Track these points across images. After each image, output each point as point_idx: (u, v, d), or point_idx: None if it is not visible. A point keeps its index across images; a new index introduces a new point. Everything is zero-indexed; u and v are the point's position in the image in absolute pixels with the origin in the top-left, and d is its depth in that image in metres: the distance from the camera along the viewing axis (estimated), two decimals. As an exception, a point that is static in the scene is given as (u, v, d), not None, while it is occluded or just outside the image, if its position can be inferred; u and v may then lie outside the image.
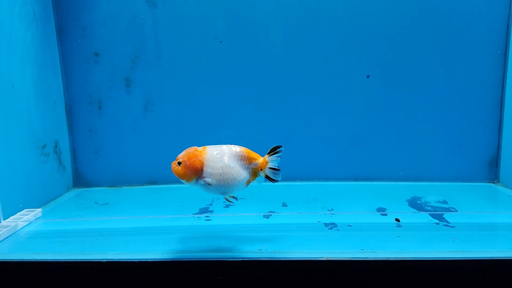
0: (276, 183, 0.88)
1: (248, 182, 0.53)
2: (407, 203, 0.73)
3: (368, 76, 0.86)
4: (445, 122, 0.86)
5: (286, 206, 0.74)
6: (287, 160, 0.89)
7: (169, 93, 0.88)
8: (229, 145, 0.53)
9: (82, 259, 0.53)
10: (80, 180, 0.90)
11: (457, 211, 0.68)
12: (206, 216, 0.69)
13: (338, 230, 0.61)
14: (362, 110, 0.87)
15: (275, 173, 0.53)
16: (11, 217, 0.67)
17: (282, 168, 0.89)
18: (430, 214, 0.66)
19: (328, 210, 0.70)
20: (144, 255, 0.53)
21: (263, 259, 0.51)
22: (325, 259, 0.50)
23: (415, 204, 0.73)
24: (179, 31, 0.86)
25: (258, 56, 0.86)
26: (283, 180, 0.89)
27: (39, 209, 0.72)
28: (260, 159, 0.53)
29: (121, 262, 0.52)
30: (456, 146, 0.87)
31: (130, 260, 0.52)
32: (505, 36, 0.82)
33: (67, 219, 0.70)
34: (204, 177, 0.51)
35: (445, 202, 0.73)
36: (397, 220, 0.64)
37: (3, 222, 0.65)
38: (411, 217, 0.63)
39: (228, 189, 0.53)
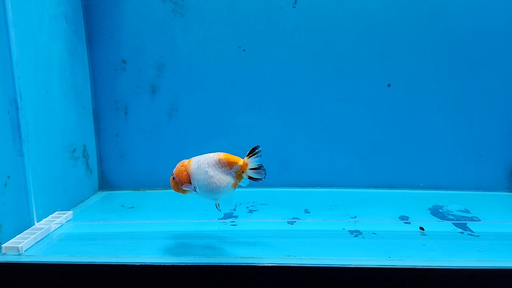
0: (298, 190, 0.91)
1: (235, 185, 0.55)
2: (429, 211, 0.74)
3: (389, 85, 0.87)
4: (466, 131, 0.87)
5: (308, 212, 0.76)
6: (308, 166, 0.92)
7: (193, 99, 0.90)
8: (209, 154, 0.56)
9: (117, 262, 0.56)
10: (105, 183, 0.93)
11: (480, 220, 0.69)
12: (231, 221, 0.71)
13: (363, 237, 0.62)
14: (383, 118, 0.88)
15: (257, 172, 0.55)
16: (44, 220, 0.70)
17: (304, 174, 0.92)
18: (453, 223, 0.67)
19: (351, 218, 0.72)
20: (177, 259, 0.55)
21: (293, 265, 0.53)
22: (353, 266, 0.52)
23: (437, 212, 0.74)
24: (203, 40, 0.88)
25: (280, 64, 0.88)
26: (303, 186, 0.92)
27: (70, 212, 0.74)
28: (240, 162, 0.55)
29: (155, 265, 0.54)
30: (477, 155, 0.87)
31: (163, 264, 0.54)
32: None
33: (98, 222, 0.72)
34: (194, 188, 0.55)
35: (467, 211, 0.74)
36: (421, 228, 0.65)
37: (37, 225, 0.68)
38: (434, 226, 0.65)
39: (216, 196, 0.56)
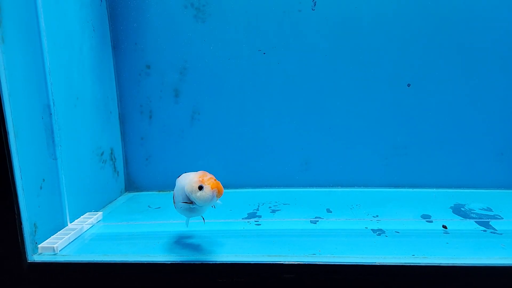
0: (320, 189, 0.92)
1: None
2: (451, 210, 0.75)
3: (409, 85, 0.88)
4: (488, 129, 0.86)
5: (330, 212, 0.77)
6: (329, 166, 0.93)
7: (215, 102, 0.93)
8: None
9: (149, 260, 0.58)
10: (131, 185, 0.96)
11: (502, 218, 0.69)
12: (255, 221, 0.73)
13: (386, 236, 0.63)
14: (404, 117, 0.89)
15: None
16: (76, 220, 0.73)
17: (325, 173, 0.93)
18: (476, 221, 0.67)
19: (374, 217, 0.73)
20: (204, 257, 0.57)
21: (318, 263, 0.54)
22: (378, 264, 0.53)
23: (459, 211, 0.74)
24: (224, 44, 0.90)
25: (300, 66, 0.89)
26: (324, 186, 0.93)
27: (100, 213, 0.77)
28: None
29: (184, 264, 0.56)
30: (499, 154, 0.87)
31: (191, 262, 0.56)
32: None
33: (128, 222, 0.75)
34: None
35: (489, 209, 0.74)
36: (444, 227, 0.65)
37: (70, 225, 0.71)
38: (457, 224, 0.65)
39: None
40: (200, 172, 0.56)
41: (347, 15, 0.87)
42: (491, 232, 0.63)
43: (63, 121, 0.70)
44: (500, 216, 0.71)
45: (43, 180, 0.65)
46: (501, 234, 0.62)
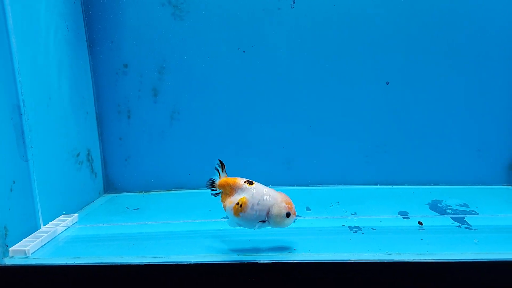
0: (301, 188, 0.92)
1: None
2: (428, 206, 0.75)
3: (387, 83, 0.88)
4: (465, 126, 0.87)
5: (310, 210, 0.77)
6: (310, 165, 0.93)
7: (195, 102, 0.92)
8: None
9: (122, 262, 0.57)
10: (110, 186, 0.95)
11: (478, 214, 0.70)
12: (234, 221, 0.72)
13: (362, 233, 0.63)
14: (383, 115, 0.89)
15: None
16: (50, 223, 0.71)
17: (307, 172, 0.93)
18: (451, 217, 0.68)
19: (352, 214, 0.73)
20: (179, 258, 0.56)
21: (293, 261, 0.54)
22: (352, 261, 0.53)
23: (436, 207, 0.74)
24: (203, 42, 0.89)
25: (280, 64, 0.89)
26: (306, 184, 0.93)
27: (76, 215, 0.76)
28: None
29: (159, 265, 0.55)
30: (476, 150, 0.88)
31: (167, 263, 0.55)
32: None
33: (103, 224, 0.74)
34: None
35: (465, 205, 0.75)
36: (420, 223, 0.66)
37: (43, 228, 0.69)
38: (433, 220, 0.65)
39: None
40: (283, 195, 0.57)
41: (326, 13, 0.87)
42: (466, 227, 0.63)
43: (35, 122, 0.68)
44: (475, 211, 0.71)
45: (14, 182, 0.63)
46: (475, 229, 0.62)
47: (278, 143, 0.93)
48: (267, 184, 0.93)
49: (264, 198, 0.56)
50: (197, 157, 0.94)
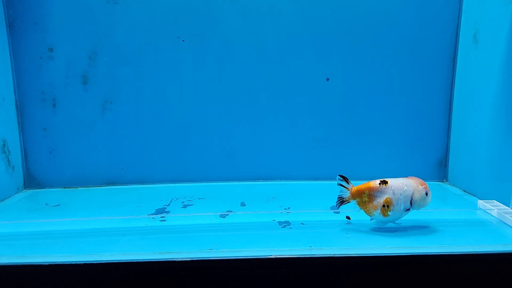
0: (241, 183, 0.90)
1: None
2: (361, 201, 0.75)
3: (328, 79, 0.88)
4: (400, 124, 0.89)
5: (244, 205, 0.74)
6: (251, 159, 0.90)
7: (129, 91, 0.87)
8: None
9: (23, 262, 0.51)
10: (32, 181, 0.87)
11: (407, 208, 0.71)
12: (161, 217, 0.68)
13: (291, 228, 0.62)
14: (323, 111, 0.89)
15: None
16: (-47, 220, 0.64)
17: (247, 167, 0.90)
18: (381, 212, 0.68)
19: (285, 209, 0.71)
20: (89, 257, 0.51)
21: (213, 258, 0.51)
22: (273, 256, 0.51)
23: (369, 202, 0.74)
24: (140, 28, 0.85)
25: (222, 56, 0.86)
26: (247, 179, 0.91)
27: (-15, 211, 0.68)
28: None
29: (65, 265, 0.50)
30: (410, 147, 0.90)
31: (74, 263, 0.50)
32: (454, 42, 0.86)
33: (11, 221, 0.67)
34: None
35: (397, 200, 0.76)
36: (347, 218, 0.65)
37: None
38: (361, 215, 0.65)
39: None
40: (416, 179, 0.60)
41: (269, 5, 0.85)
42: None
43: None
44: (404, 206, 0.72)
45: None
46: (400, 223, 0.62)
47: (218, 136, 0.90)
48: (207, 178, 0.92)
49: (404, 189, 0.58)
50: (131, 150, 0.89)
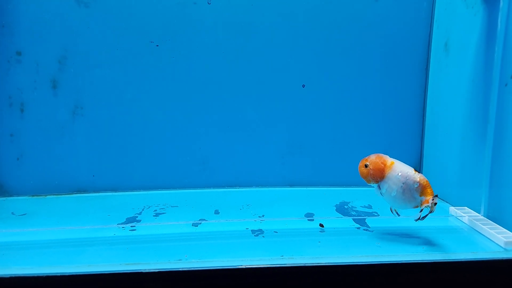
0: (216, 190, 0.89)
1: (416, 207, 0.58)
2: (335, 208, 0.75)
3: (303, 86, 0.88)
4: (375, 130, 0.90)
5: (218, 213, 0.73)
6: (226, 166, 0.89)
7: (101, 96, 0.85)
8: (411, 170, 0.58)
9: (-18, 276, 0.49)
10: (-2, 189, 0.84)
11: (379, 215, 0.71)
12: (131, 226, 0.66)
13: (263, 236, 0.61)
14: (299, 117, 0.89)
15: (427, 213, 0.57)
16: None
17: (222, 174, 0.89)
18: (353, 219, 0.68)
19: (259, 217, 0.70)
20: (51, 269, 0.49)
21: (181, 269, 0.50)
22: (243, 267, 0.50)
23: (343, 209, 0.75)
24: (111, 33, 0.83)
25: (195, 61, 0.85)
26: (222, 186, 0.90)
27: None
28: (428, 198, 0.56)
29: (25, 277, 0.48)
30: (384, 153, 0.90)
31: (34, 275, 0.48)
32: (427, 50, 0.88)
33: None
34: (380, 188, 0.59)
35: (369, 206, 0.76)
36: (321, 225, 0.65)
37: None
38: (335, 222, 0.65)
39: (395, 206, 0.60)
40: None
41: (243, 11, 0.85)
42: (364, 229, 0.64)
43: None
44: (377, 213, 0.72)
45: None
46: (373, 231, 0.63)
47: (193, 143, 0.88)
48: (181, 186, 0.90)
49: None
50: (103, 156, 0.87)
